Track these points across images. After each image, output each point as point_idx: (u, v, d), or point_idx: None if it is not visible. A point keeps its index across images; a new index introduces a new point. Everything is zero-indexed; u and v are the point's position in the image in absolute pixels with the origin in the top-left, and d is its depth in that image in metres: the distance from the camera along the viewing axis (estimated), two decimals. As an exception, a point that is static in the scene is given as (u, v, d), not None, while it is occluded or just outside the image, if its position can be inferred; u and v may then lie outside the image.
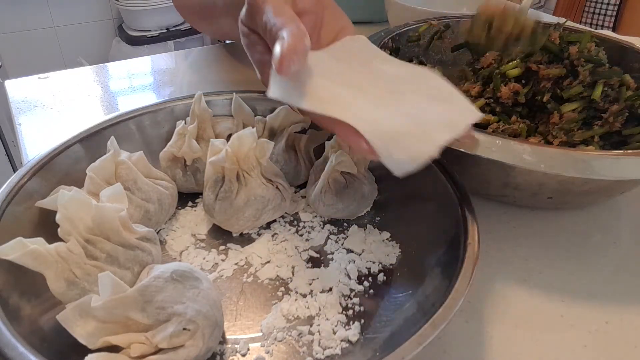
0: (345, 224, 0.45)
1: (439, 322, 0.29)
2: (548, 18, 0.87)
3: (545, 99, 0.50)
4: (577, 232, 0.47)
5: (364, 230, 0.44)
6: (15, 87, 0.69)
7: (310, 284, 0.39)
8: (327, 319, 0.36)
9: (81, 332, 0.30)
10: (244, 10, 0.37)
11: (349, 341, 0.34)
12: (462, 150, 0.38)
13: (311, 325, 0.36)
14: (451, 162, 0.41)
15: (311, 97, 0.33)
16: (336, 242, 0.43)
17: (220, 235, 0.44)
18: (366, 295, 0.38)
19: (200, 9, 0.55)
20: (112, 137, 0.42)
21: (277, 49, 0.30)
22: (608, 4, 2.03)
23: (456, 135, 0.33)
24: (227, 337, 0.35)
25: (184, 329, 0.30)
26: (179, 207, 0.47)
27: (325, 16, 0.39)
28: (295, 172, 0.48)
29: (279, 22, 0.32)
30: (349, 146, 0.41)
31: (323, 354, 0.33)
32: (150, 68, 0.78)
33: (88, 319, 0.30)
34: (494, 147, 0.38)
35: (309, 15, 0.38)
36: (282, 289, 0.39)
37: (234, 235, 0.44)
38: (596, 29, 1.21)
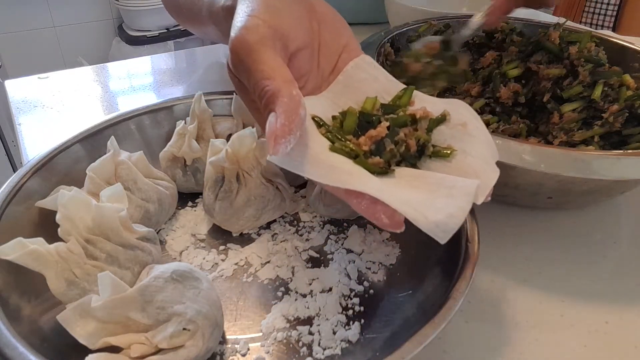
0: (345, 224, 0.45)
1: (439, 322, 0.29)
2: (548, 18, 0.87)
3: (545, 99, 0.50)
4: (577, 232, 0.47)
5: (364, 230, 0.44)
6: (15, 87, 0.69)
7: (310, 284, 0.39)
8: (327, 319, 0.36)
9: (81, 332, 0.30)
10: (229, 57, 0.33)
11: (349, 341, 0.34)
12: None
13: (311, 326, 0.36)
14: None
15: (315, 164, 0.29)
16: (336, 242, 0.43)
17: (220, 235, 0.44)
18: (366, 295, 0.38)
19: (186, 13, 0.54)
20: (112, 137, 0.42)
21: (269, 128, 0.27)
22: (608, 4, 2.03)
23: (486, 190, 0.30)
24: (227, 337, 0.35)
25: (184, 329, 0.30)
26: (179, 207, 0.47)
27: (322, 38, 0.36)
28: (295, 172, 0.48)
29: (270, 89, 0.28)
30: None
31: (323, 354, 0.33)
32: (150, 68, 0.78)
33: (88, 319, 0.30)
34: (494, 147, 0.38)
35: (304, 51, 0.34)
36: (282, 289, 0.39)
37: (234, 235, 0.44)
38: (596, 29, 1.21)
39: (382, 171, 0.31)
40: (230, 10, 0.40)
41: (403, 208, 0.27)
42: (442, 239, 0.26)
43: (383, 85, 0.36)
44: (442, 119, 0.34)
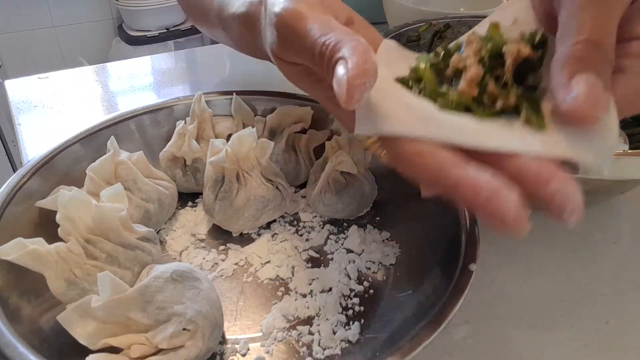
0: (345, 224, 0.45)
1: (439, 322, 0.29)
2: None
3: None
4: (577, 232, 0.47)
5: (364, 230, 0.44)
6: (15, 87, 0.69)
7: (310, 284, 0.39)
8: (327, 319, 0.36)
9: (81, 332, 0.30)
10: (271, 38, 0.29)
11: (349, 341, 0.34)
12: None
13: (311, 325, 0.36)
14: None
15: (436, 124, 0.23)
16: (336, 242, 0.43)
17: (220, 235, 0.44)
18: (366, 295, 0.38)
19: (195, 12, 0.54)
20: (112, 137, 0.42)
21: (341, 72, 0.23)
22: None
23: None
24: (227, 337, 0.35)
25: (184, 329, 0.30)
26: (179, 207, 0.47)
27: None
28: (295, 172, 0.48)
29: (332, 40, 0.24)
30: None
31: (323, 354, 0.34)
32: (150, 68, 0.78)
33: (88, 319, 0.30)
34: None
35: (351, 27, 0.31)
36: (282, 289, 0.39)
37: (234, 235, 0.44)
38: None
39: (508, 109, 0.25)
40: (244, 18, 0.38)
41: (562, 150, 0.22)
42: (606, 169, 0.23)
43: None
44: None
